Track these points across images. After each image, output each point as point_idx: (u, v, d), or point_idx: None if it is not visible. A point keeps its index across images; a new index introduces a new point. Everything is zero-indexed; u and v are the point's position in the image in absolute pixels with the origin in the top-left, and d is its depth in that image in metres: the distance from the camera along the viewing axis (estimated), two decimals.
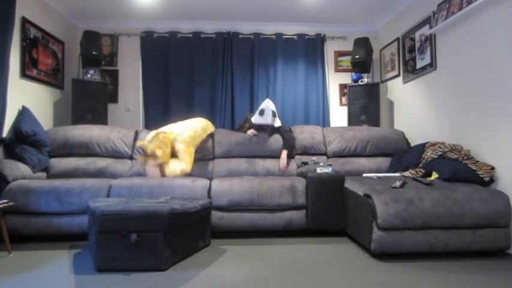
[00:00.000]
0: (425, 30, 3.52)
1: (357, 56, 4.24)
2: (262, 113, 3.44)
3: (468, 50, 2.92)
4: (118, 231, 2.04)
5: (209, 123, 3.68)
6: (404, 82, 4.01)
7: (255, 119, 3.48)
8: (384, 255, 2.28)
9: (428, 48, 3.49)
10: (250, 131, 3.54)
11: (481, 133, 2.75)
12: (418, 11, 3.67)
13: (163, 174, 3.12)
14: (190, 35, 4.58)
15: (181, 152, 3.22)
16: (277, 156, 3.50)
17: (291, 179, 2.94)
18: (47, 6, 3.83)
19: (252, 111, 4.55)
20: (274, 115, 3.47)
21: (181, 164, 3.17)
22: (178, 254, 2.20)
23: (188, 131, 3.31)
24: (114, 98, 4.53)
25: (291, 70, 4.65)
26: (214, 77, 4.57)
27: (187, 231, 2.30)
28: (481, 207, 2.26)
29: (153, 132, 3.17)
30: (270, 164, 3.45)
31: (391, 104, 4.38)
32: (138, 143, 3.25)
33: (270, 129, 3.54)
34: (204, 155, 3.48)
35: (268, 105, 3.47)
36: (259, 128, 3.55)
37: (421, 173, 2.88)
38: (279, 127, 3.55)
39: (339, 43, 4.79)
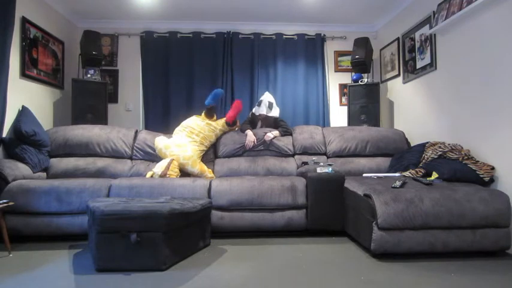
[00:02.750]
0: (425, 30, 3.52)
1: (357, 56, 4.23)
2: (259, 104, 3.77)
3: (468, 50, 2.92)
4: (118, 231, 2.04)
5: (198, 121, 3.53)
6: (404, 82, 4.01)
7: (255, 109, 3.81)
8: (384, 255, 2.28)
9: (428, 48, 3.49)
10: (266, 136, 3.55)
11: (481, 133, 2.75)
12: (418, 11, 3.67)
13: None
14: (190, 35, 4.58)
15: (198, 173, 3.28)
16: (277, 156, 3.52)
17: (291, 178, 2.94)
18: (47, 6, 3.83)
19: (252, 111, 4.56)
20: (270, 107, 3.72)
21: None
22: (178, 254, 2.20)
23: (191, 148, 3.32)
24: (114, 98, 4.53)
25: (291, 70, 4.65)
26: (214, 77, 4.57)
27: (187, 231, 2.30)
28: (481, 207, 2.26)
29: (162, 163, 3.10)
30: (270, 163, 3.45)
31: (391, 104, 4.38)
32: (149, 175, 3.14)
33: (266, 123, 3.76)
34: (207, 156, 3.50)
35: (265, 97, 3.78)
36: (263, 122, 3.79)
37: (421, 173, 2.88)
38: (276, 119, 3.77)
39: (339, 43, 4.79)
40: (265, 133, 3.57)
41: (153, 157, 3.44)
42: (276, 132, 3.62)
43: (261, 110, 3.72)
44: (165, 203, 2.27)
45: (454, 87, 3.11)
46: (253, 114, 3.84)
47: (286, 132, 3.68)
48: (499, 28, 2.58)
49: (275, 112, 3.75)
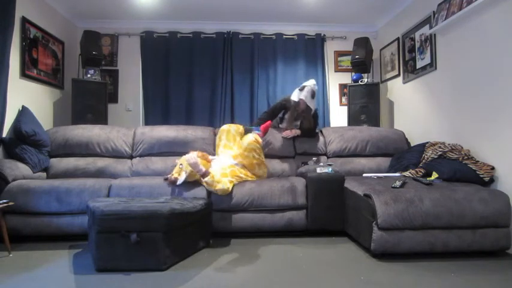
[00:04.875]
0: (425, 30, 3.52)
1: (357, 56, 4.23)
2: (302, 88, 3.35)
3: (468, 50, 2.92)
4: (118, 231, 2.04)
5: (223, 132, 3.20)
6: (404, 82, 4.01)
7: (295, 94, 3.37)
8: (384, 255, 2.27)
9: (428, 48, 3.49)
10: (285, 133, 3.46)
11: (481, 133, 2.75)
12: (418, 11, 3.67)
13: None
14: (190, 35, 4.58)
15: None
16: (281, 156, 3.51)
17: (290, 179, 2.94)
18: (47, 6, 3.83)
19: (252, 111, 4.54)
20: (313, 96, 3.33)
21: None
22: (178, 254, 2.20)
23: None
24: (114, 98, 4.52)
25: (291, 70, 4.64)
26: (214, 77, 4.56)
27: (187, 231, 2.30)
28: (481, 207, 2.26)
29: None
30: (270, 164, 3.44)
31: (391, 104, 4.38)
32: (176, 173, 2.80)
33: (302, 113, 3.39)
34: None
35: (310, 83, 3.39)
36: (298, 113, 3.42)
37: (421, 173, 2.88)
38: (314, 113, 3.44)
39: (339, 43, 4.79)
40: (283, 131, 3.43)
41: (154, 151, 3.43)
42: (296, 131, 3.45)
43: (302, 95, 3.30)
44: (165, 203, 2.27)
45: (454, 87, 3.11)
46: (286, 101, 3.46)
47: (310, 134, 3.51)
48: (499, 28, 2.58)
49: (313, 105, 3.38)
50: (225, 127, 3.19)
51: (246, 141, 2.89)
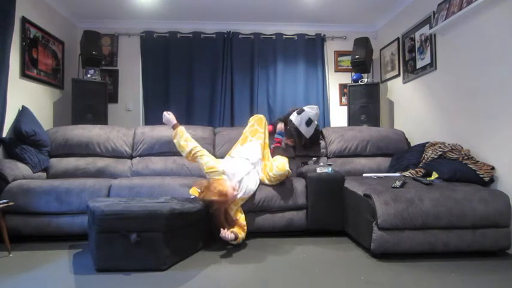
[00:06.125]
0: (425, 30, 3.52)
1: (357, 56, 4.23)
2: (299, 112, 3.29)
3: (468, 50, 2.92)
4: (118, 231, 2.04)
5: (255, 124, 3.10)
6: (404, 82, 4.01)
7: (292, 116, 3.31)
8: (384, 255, 2.27)
9: (428, 48, 3.49)
10: (287, 141, 3.44)
11: (481, 133, 2.75)
12: (418, 11, 3.67)
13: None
14: (190, 35, 4.58)
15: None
16: None
17: (290, 180, 2.93)
18: (47, 6, 3.83)
19: (252, 111, 4.54)
20: (308, 123, 3.23)
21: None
22: (178, 254, 2.20)
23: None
24: (114, 98, 4.52)
25: (291, 70, 4.64)
26: (214, 77, 4.56)
27: (187, 231, 2.30)
28: (481, 207, 2.26)
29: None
30: None
31: (391, 104, 4.38)
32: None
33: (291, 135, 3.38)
34: None
35: (309, 109, 3.28)
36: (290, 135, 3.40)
37: (421, 173, 2.88)
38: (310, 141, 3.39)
39: (339, 43, 4.79)
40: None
41: (154, 151, 3.43)
42: (295, 142, 3.39)
43: (295, 120, 3.26)
44: (165, 203, 2.27)
45: (454, 87, 3.11)
46: (290, 120, 3.37)
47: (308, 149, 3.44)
48: (499, 28, 2.58)
49: (308, 131, 3.30)
50: (260, 115, 3.14)
51: (279, 173, 2.73)
